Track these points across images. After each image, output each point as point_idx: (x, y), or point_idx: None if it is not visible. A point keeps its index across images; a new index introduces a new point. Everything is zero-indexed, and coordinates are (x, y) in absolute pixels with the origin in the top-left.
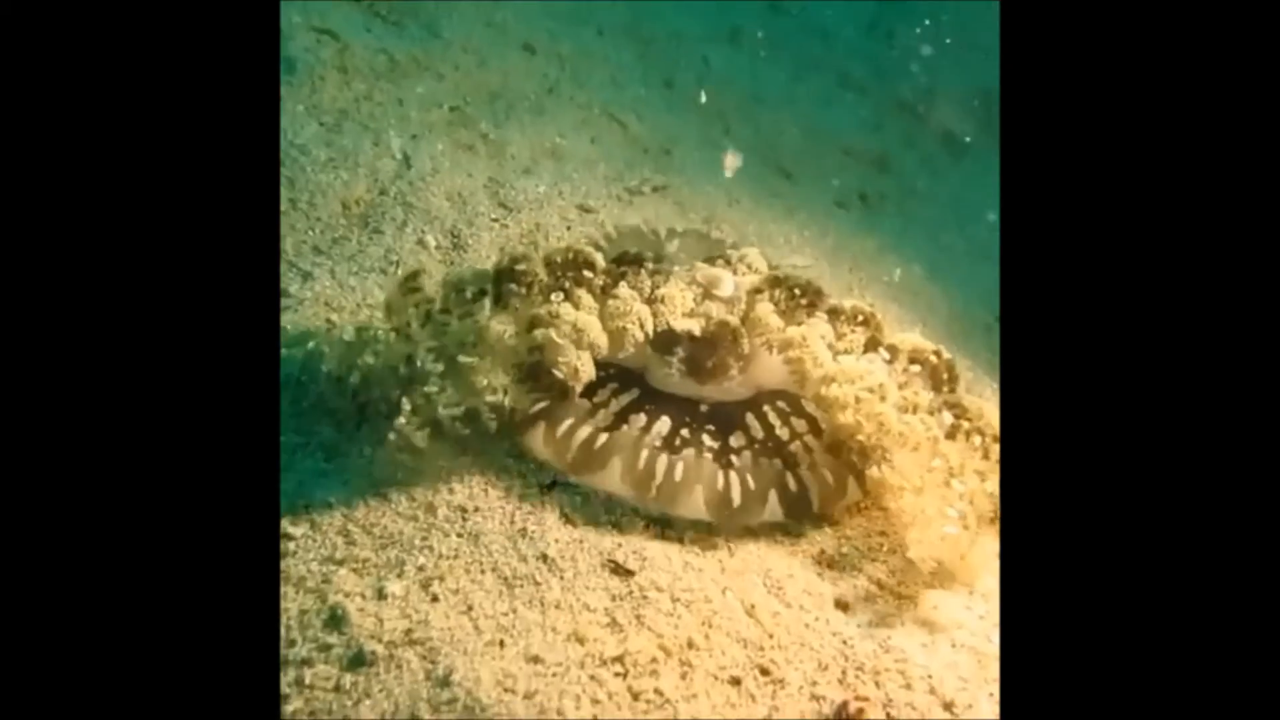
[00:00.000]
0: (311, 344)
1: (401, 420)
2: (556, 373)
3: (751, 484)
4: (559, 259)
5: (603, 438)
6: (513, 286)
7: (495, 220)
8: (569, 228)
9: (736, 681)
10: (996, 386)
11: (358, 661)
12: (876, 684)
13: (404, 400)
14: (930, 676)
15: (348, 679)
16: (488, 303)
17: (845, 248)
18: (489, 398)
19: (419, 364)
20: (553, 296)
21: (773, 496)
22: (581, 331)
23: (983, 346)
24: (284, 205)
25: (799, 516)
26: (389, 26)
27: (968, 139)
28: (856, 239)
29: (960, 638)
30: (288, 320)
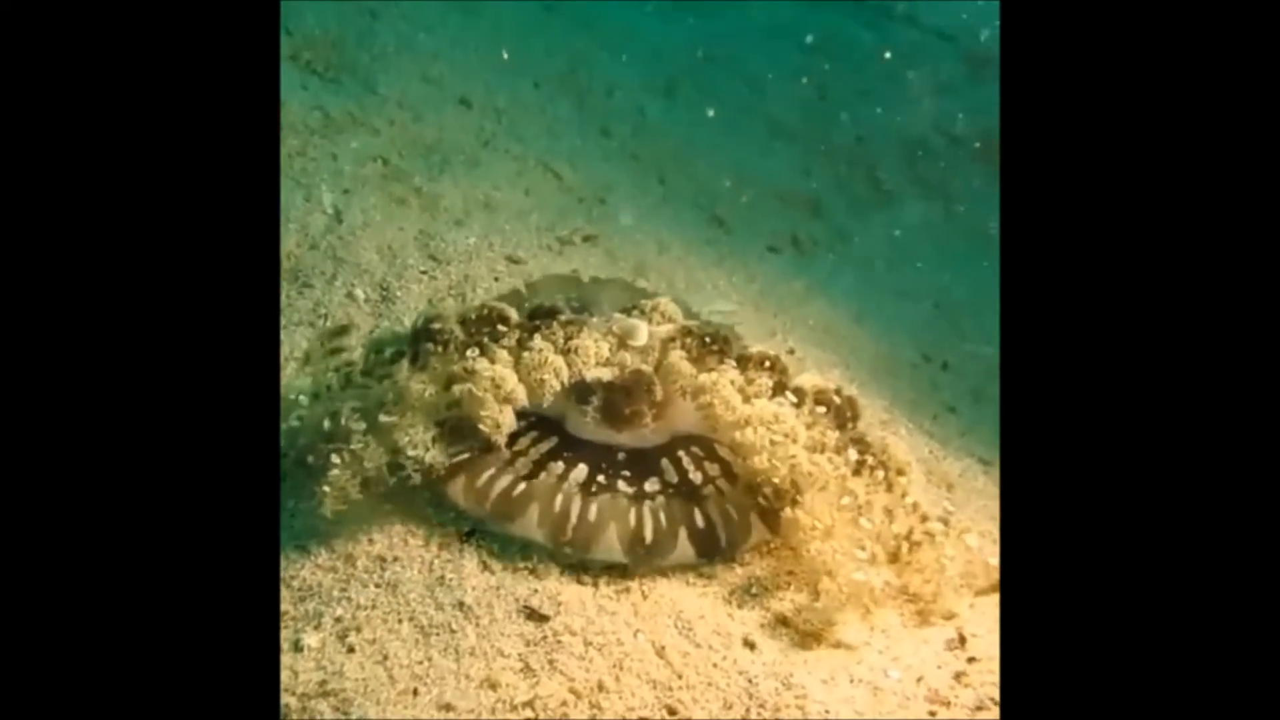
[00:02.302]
0: None
1: (335, 472)
2: (481, 427)
3: (664, 521)
4: (473, 315)
5: (521, 486)
6: (429, 346)
7: (424, 273)
8: (496, 279)
9: None
10: (913, 425)
11: None
12: None
13: (334, 456)
14: (828, 711)
15: None
16: (405, 363)
17: (771, 292)
18: (411, 453)
19: (342, 421)
20: (468, 353)
21: (683, 535)
22: (500, 385)
23: (906, 386)
24: None
25: (709, 553)
26: (325, 83)
27: (894, 184)
28: (783, 283)
29: (858, 673)
30: None
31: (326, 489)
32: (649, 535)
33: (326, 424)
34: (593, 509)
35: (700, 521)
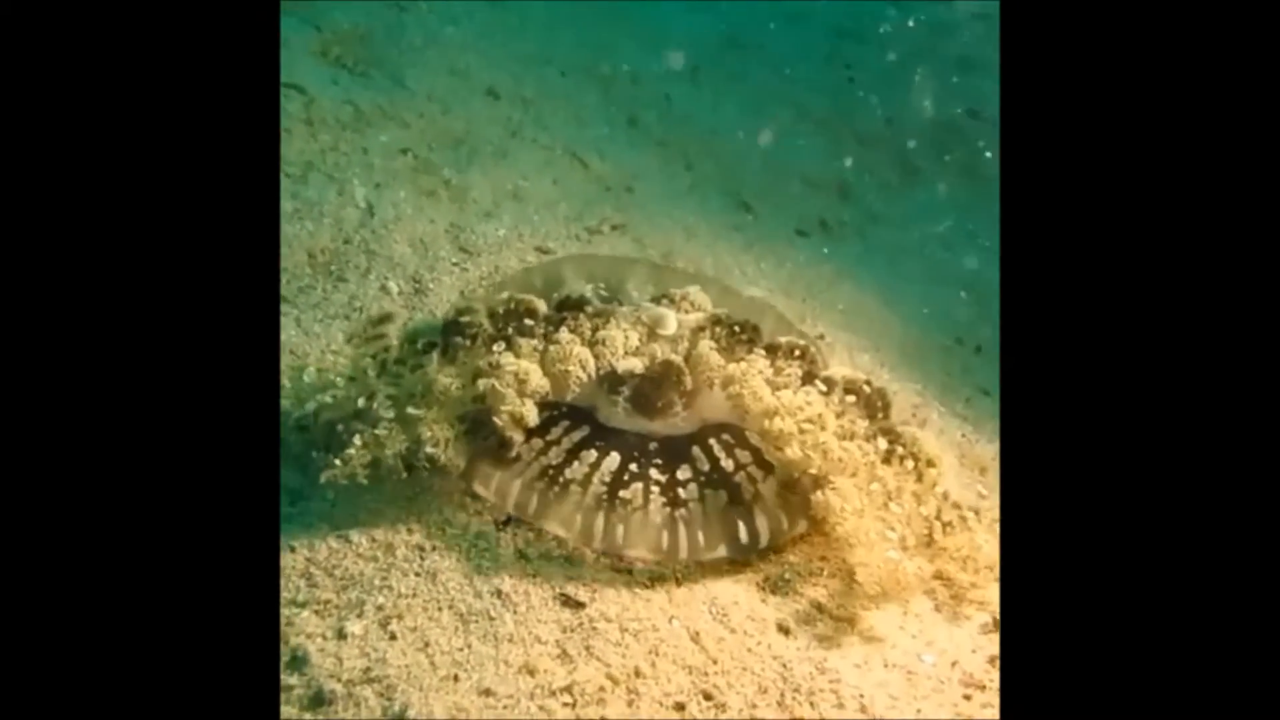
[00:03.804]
0: None
1: (350, 452)
2: (497, 420)
3: (701, 537)
4: (502, 309)
5: (552, 491)
6: (458, 339)
7: (456, 265)
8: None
9: (681, 707)
10: (945, 409)
11: (317, 701)
12: (811, 704)
13: (355, 437)
14: (862, 696)
15: (306, 718)
16: (436, 355)
17: (800, 277)
18: (430, 449)
19: (374, 407)
20: (495, 346)
21: (719, 542)
22: (523, 380)
23: (936, 369)
24: None
25: (746, 554)
26: (355, 77)
27: (923, 166)
28: (812, 268)
29: (892, 657)
30: None
31: (338, 465)
32: (683, 546)
33: (359, 405)
34: (618, 528)
35: (738, 527)
